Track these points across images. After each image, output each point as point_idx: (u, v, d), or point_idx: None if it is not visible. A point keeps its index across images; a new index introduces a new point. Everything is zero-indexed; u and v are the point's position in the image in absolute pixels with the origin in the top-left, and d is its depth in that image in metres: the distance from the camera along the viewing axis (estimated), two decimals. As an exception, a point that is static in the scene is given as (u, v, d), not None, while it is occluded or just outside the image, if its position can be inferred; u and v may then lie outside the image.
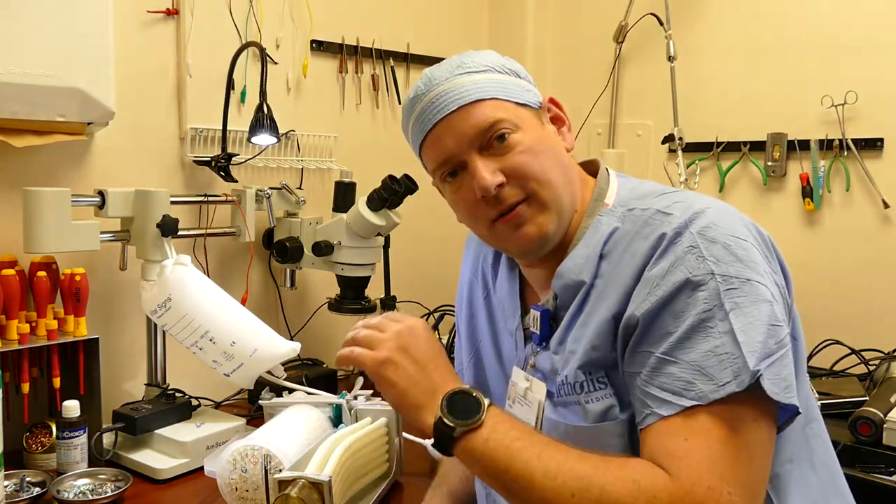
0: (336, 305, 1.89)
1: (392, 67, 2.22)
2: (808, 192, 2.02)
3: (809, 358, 1.85)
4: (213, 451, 1.45)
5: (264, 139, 1.73)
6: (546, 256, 0.98)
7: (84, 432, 1.40)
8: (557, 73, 2.51)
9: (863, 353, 1.87)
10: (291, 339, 1.77)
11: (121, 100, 1.56)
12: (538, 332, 0.98)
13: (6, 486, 1.28)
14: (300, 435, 1.29)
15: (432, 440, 0.87)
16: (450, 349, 1.96)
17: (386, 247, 1.90)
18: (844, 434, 1.47)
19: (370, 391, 1.49)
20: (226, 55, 1.78)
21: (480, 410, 0.85)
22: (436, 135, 0.96)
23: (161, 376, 1.64)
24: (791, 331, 0.88)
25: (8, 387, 1.42)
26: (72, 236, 1.44)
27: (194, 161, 1.80)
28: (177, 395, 1.57)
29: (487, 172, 0.93)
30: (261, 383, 1.51)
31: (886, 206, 1.92)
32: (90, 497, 1.30)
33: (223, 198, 1.79)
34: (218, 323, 1.36)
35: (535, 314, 0.99)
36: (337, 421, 1.40)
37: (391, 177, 1.76)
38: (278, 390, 1.54)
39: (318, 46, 2.06)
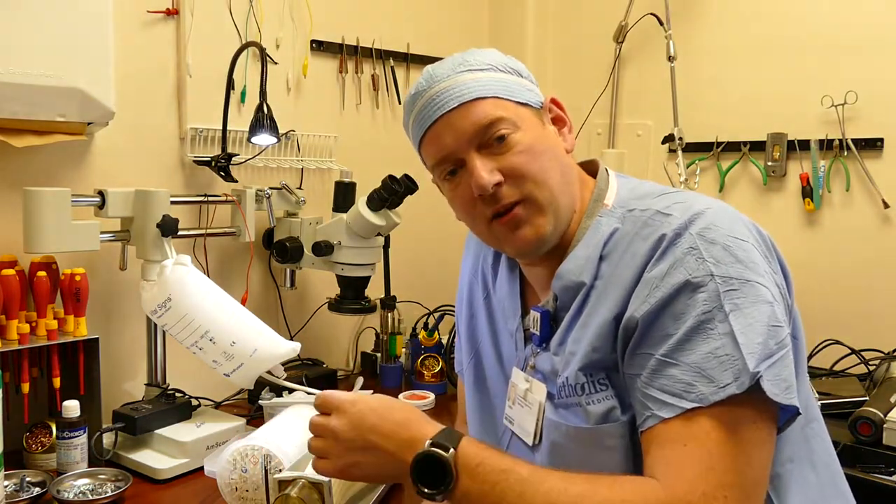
0: (336, 305, 1.89)
1: (392, 67, 2.22)
2: (808, 192, 2.02)
3: (809, 358, 1.85)
4: (213, 451, 1.45)
5: (264, 139, 1.73)
6: (546, 256, 0.98)
7: (84, 432, 1.40)
8: (557, 73, 2.51)
9: (863, 353, 1.87)
10: (291, 339, 1.77)
11: (121, 100, 1.56)
12: (538, 333, 0.98)
13: (6, 486, 1.28)
14: (300, 435, 1.28)
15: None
16: (450, 349, 1.96)
17: (386, 247, 1.91)
18: (844, 434, 1.48)
19: (370, 391, 1.49)
20: (226, 55, 1.78)
21: (447, 476, 0.82)
22: (435, 132, 0.95)
23: (161, 376, 1.64)
24: (791, 330, 0.88)
25: (8, 387, 1.42)
26: (72, 236, 1.44)
27: (194, 161, 1.79)
28: (177, 395, 1.57)
29: (485, 171, 0.92)
30: (261, 383, 1.51)
31: (886, 206, 1.92)
32: (90, 497, 1.30)
33: (223, 198, 1.79)
34: (218, 323, 1.36)
35: (535, 315, 0.98)
36: (337, 421, 1.40)
37: (391, 177, 1.75)
38: (278, 390, 1.54)
39: (318, 46, 2.06)
